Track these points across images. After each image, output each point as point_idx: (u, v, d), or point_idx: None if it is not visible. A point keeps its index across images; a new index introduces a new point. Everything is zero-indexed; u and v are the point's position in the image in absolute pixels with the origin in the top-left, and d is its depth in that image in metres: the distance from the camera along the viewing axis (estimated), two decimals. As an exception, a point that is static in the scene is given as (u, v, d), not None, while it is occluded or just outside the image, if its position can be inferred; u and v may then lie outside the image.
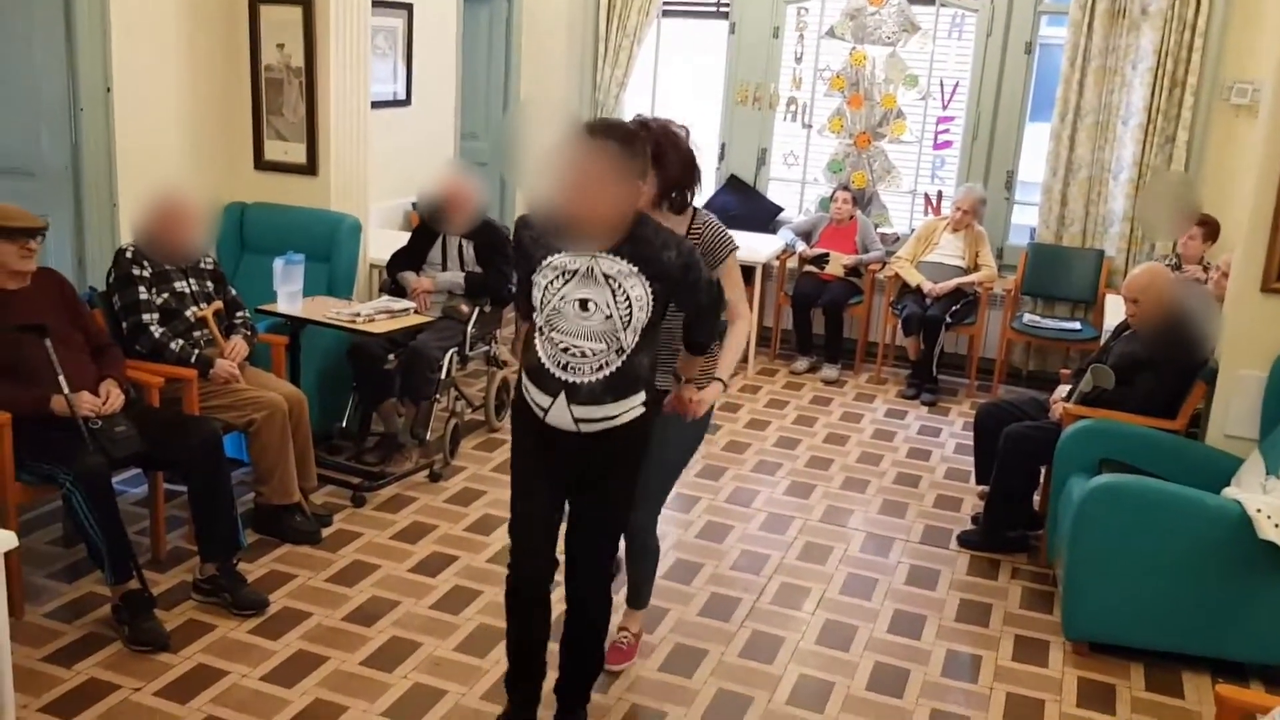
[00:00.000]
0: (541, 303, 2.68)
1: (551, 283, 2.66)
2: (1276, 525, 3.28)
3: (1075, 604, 3.57)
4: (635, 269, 2.62)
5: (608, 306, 2.62)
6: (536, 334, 2.71)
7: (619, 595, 3.32)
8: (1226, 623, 3.43)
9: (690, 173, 3.01)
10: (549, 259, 2.67)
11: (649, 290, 2.63)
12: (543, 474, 2.82)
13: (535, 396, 2.73)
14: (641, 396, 2.75)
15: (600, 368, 2.65)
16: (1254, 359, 3.79)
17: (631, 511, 2.95)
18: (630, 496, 2.88)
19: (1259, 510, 3.31)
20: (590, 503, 2.84)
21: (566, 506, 2.88)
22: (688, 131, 3.08)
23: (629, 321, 2.63)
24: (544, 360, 2.68)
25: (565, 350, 2.65)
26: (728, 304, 3.00)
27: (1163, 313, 4.05)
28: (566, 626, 2.95)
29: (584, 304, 2.63)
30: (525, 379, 2.77)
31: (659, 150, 2.90)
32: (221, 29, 4.82)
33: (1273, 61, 3.76)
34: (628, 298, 2.62)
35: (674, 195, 3.00)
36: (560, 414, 2.69)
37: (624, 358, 2.66)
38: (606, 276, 2.62)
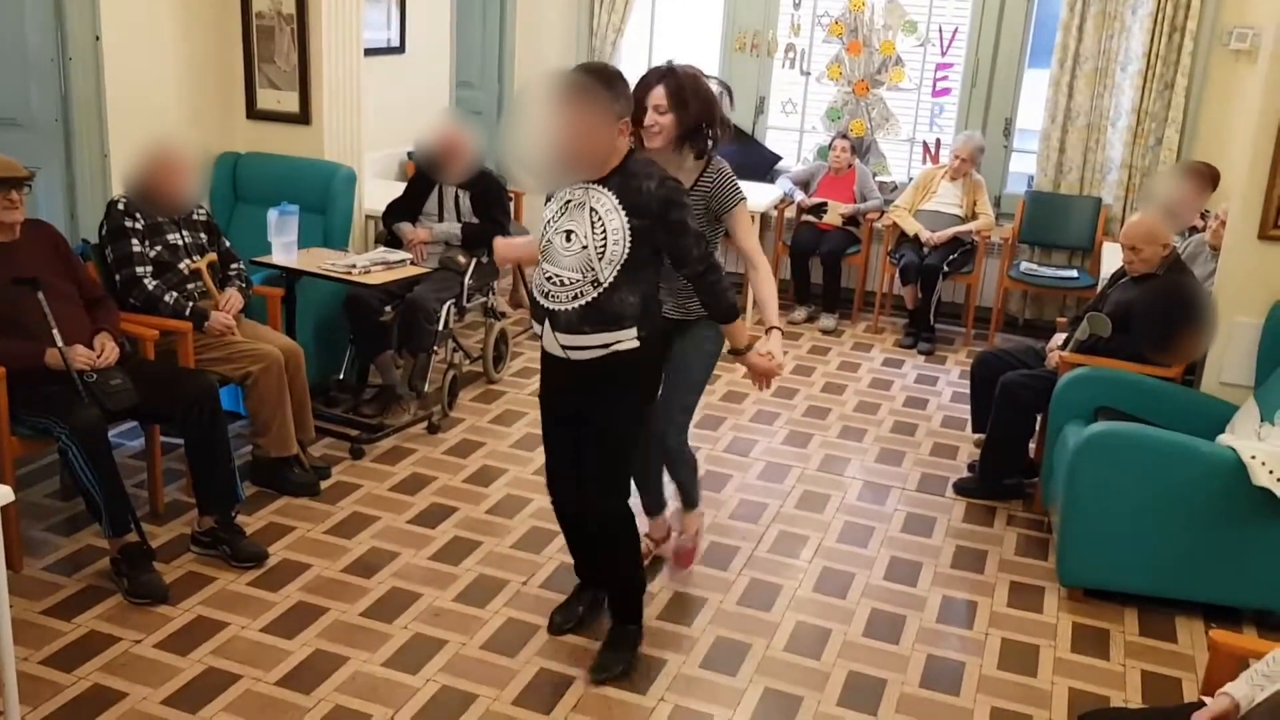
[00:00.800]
0: (543, 234, 2.86)
1: (555, 215, 2.83)
2: (1270, 471, 3.29)
3: (1070, 550, 3.60)
4: (617, 201, 2.75)
5: (585, 237, 2.76)
6: (540, 265, 2.90)
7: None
8: (1220, 568, 3.45)
9: (710, 116, 3.10)
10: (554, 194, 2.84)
11: (626, 224, 2.74)
12: (553, 400, 3.04)
13: (535, 323, 2.97)
14: (631, 332, 2.83)
15: (575, 297, 2.79)
16: (1250, 307, 3.78)
17: (634, 447, 3.05)
18: (631, 430, 2.99)
19: (1253, 457, 3.32)
20: (590, 432, 2.98)
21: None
22: (724, 87, 3.24)
23: (603, 253, 2.74)
24: (534, 288, 2.90)
25: (549, 279, 2.83)
26: (745, 252, 3.17)
27: (1164, 313, 4.02)
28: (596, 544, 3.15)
29: (568, 235, 2.78)
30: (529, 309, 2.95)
31: (681, 94, 3.05)
32: (211, -25, 4.75)
33: (1272, 6, 3.71)
34: (604, 229, 2.74)
35: (695, 139, 3.10)
36: (550, 340, 2.91)
37: (600, 290, 2.77)
38: (592, 210, 2.76)
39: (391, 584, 3.48)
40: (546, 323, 2.89)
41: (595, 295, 2.77)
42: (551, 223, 2.83)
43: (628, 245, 2.74)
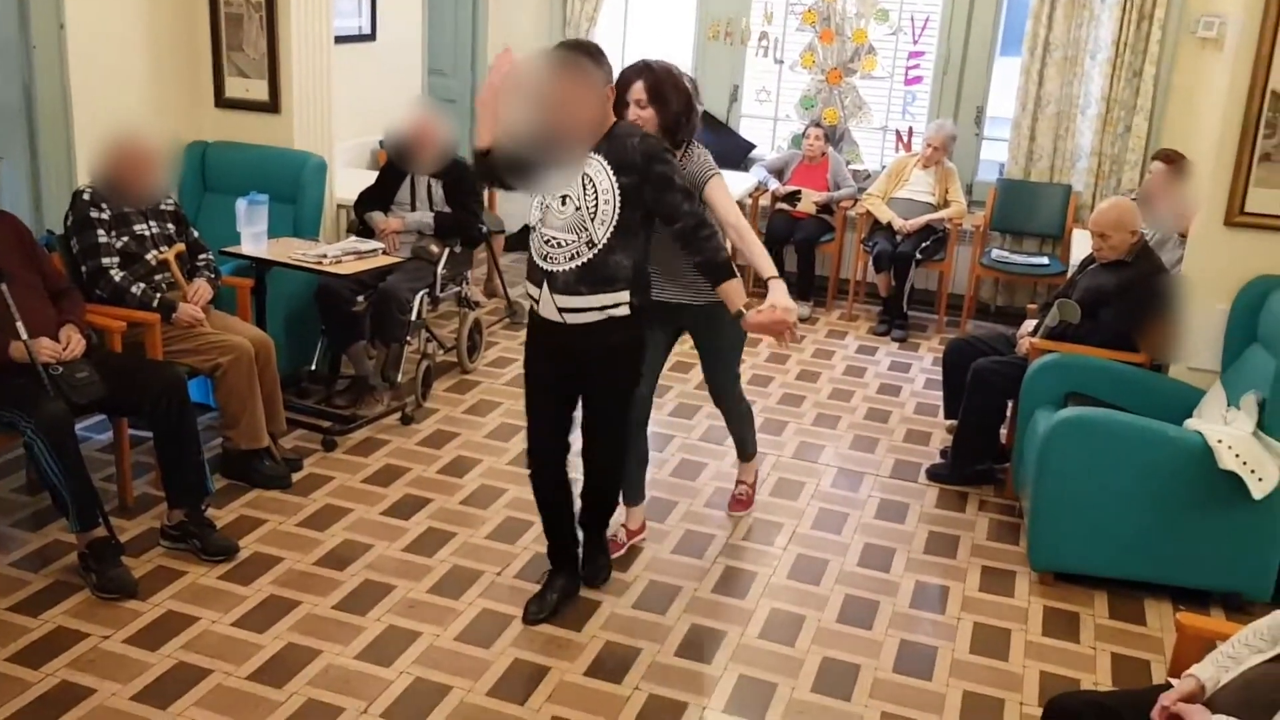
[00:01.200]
0: (541, 200, 2.97)
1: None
2: (1237, 455, 3.33)
3: (1040, 535, 3.62)
4: (605, 162, 2.90)
5: (578, 199, 2.90)
6: (532, 232, 3.01)
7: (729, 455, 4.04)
8: (1188, 551, 3.49)
9: (688, 108, 3.24)
10: None
11: (615, 182, 2.89)
12: (544, 375, 3.14)
13: (529, 289, 3.05)
14: (624, 296, 2.95)
15: (572, 257, 2.91)
16: (1217, 292, 3.81)
17: (630, 410, 3.25)
18: (628, 398, 3.16)
19: (1220, 441, 3.36)
20: (592, 404, 3.17)
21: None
22: (693, 83, 3.32)
23: (595, 213, 2.89)
24: (532, 252, 3.00)
25: (546, 241, 2.95)
26: (726, 221, 3.22)
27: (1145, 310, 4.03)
28: (583, 492, 3.38)
29: (564, 199, 2.92)
30: (526, 276, 3.09)
31: (660, 88, 3.18)
32: (177, -37, 4.69)
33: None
34: (595, 189, 2.89)
35: (677, 131, 3.22)
36: (547, 304, 2.99)
37: (595, 251, 2.91)
38: (585, 174, 2.90)
39: (364, 576, 3.46)
40: (544, 285, 2.97)
41: (591, 256, 2.90)
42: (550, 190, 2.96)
43: (618, 205, 2.88)
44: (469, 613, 3.30)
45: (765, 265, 3.08)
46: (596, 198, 2.89)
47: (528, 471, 3.28)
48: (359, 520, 3.80)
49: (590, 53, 2.92)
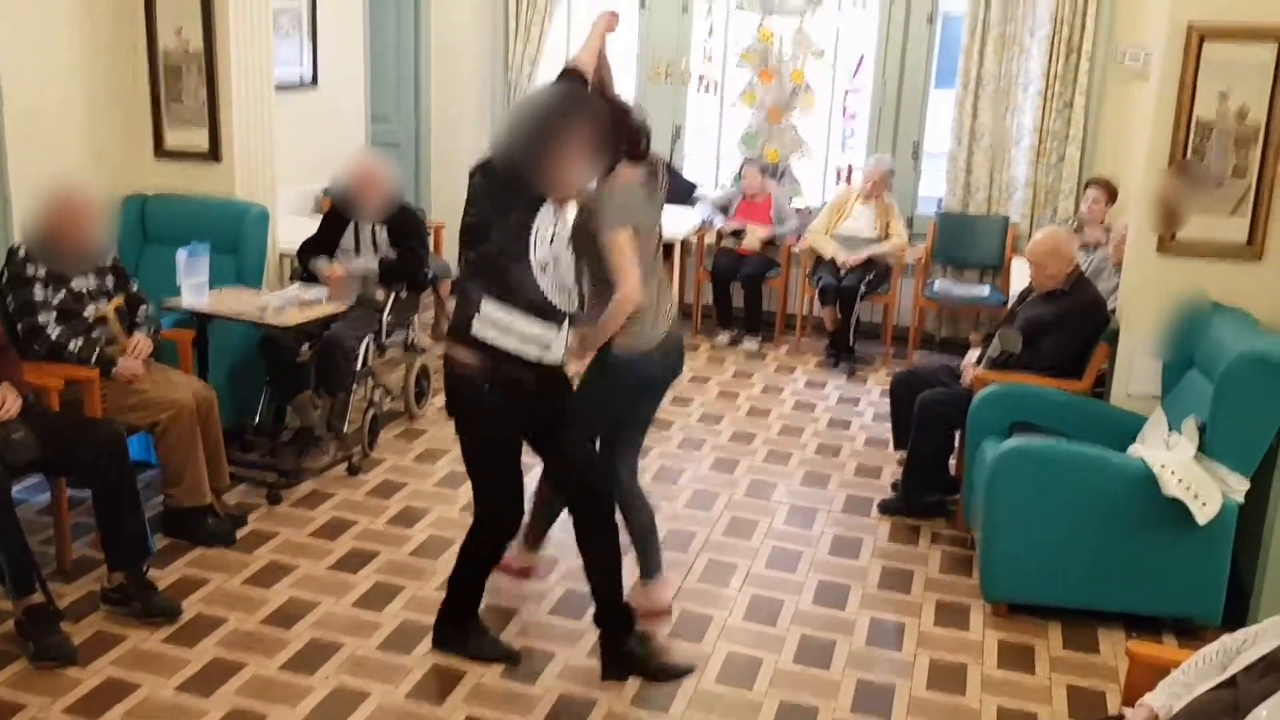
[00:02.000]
0: (549, 242, 2.99)
1: (558, 232, 3.02)
2: (1180, 480, 3.37)
3: (992, 566, 3.64)
4: (570, 219, 3.12)
5: (571, 250, 3.08)
6: (537, 272, 2.95)
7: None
8: (1137, 578, 3.52)
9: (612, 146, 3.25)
10: (542, 206, 2.99)
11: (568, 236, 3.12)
12: (515, 427, 3.12)
13: (541, 334, 2.98)
14: None
15: (576, 300, 3.11)
16: (1153, 319, 3.88)
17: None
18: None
19: (1163, 466, 3.40)
20: (560, 436, 3.18)
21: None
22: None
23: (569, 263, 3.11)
24: (551, 297, 3.00)
25: (563, 288, 3.05)
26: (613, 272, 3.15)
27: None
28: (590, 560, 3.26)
29: (553, 238, 3.04)
30: (519, 320, 2.94)
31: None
32: (116, 14, 4.62)
33: (1161, 28, 3.83)
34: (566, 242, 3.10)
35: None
36: (559, 346, 3.04)
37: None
38: (558, 221, 3.06)
39: (311, 635, 3.39)
40: (565, 324, 3.04)
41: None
42: (559, 237, 3.02)
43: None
44: (419, 669, 3.24)
45: (594, 333, 3.16)
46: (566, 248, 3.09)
47: (496, 538, 3.25)
48: (305, 576, 3.73)
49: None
